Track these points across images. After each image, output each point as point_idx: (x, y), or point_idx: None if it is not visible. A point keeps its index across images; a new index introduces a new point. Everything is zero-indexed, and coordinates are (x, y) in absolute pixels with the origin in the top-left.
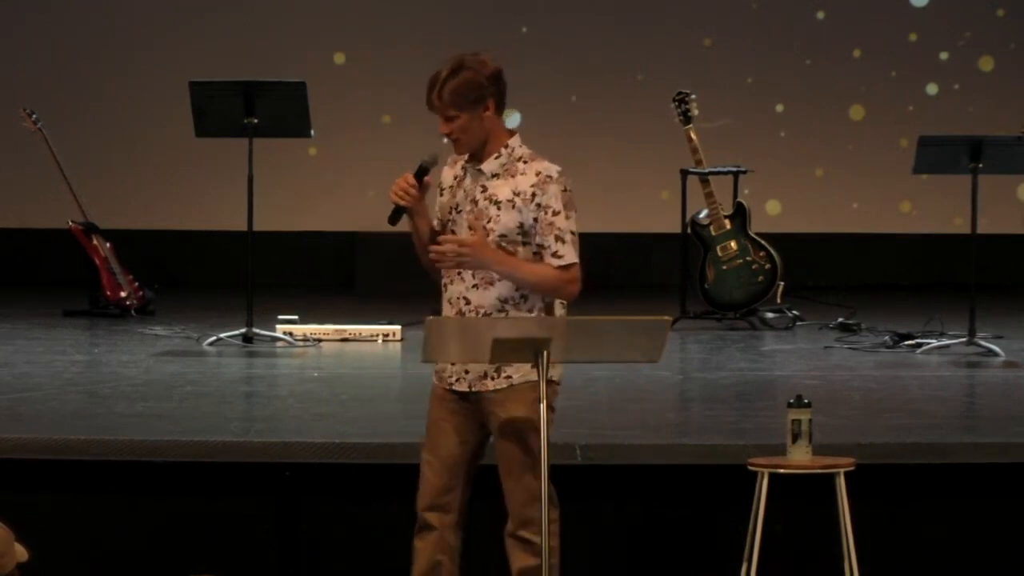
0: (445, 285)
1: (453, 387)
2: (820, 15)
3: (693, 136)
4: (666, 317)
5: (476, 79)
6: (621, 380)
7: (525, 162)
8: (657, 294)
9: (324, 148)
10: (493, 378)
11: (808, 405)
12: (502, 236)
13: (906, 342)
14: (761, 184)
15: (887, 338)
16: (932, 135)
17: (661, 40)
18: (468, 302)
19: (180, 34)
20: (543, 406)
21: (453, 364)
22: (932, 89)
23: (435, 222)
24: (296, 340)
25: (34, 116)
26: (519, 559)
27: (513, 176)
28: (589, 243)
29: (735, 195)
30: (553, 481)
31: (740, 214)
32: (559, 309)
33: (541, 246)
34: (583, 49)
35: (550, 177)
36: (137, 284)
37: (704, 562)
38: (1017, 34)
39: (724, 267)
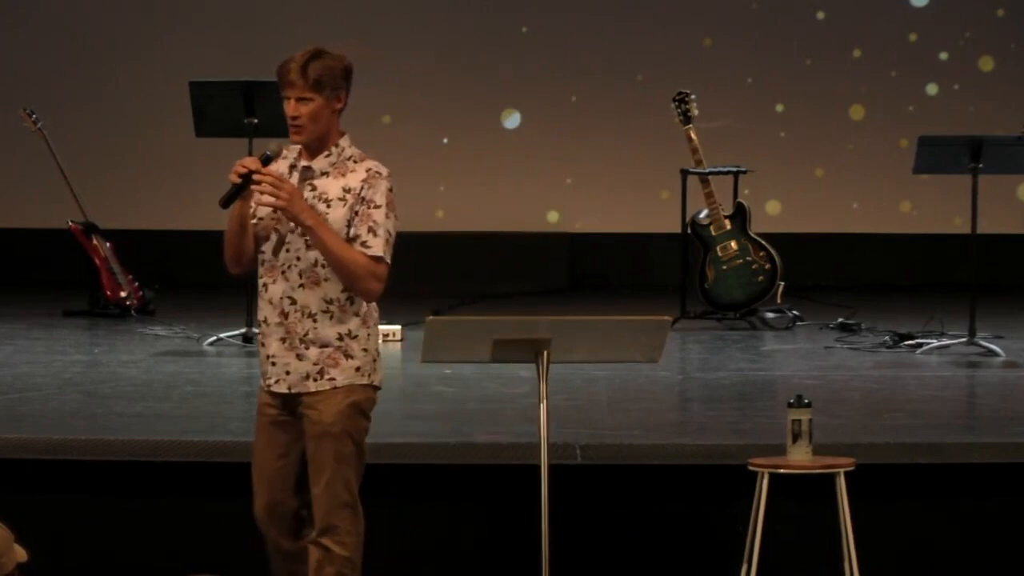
0: (266, 285)
1: (272, 388)
2: (820, 15)
3: (693, 136)
4: (666, 317)
5: (338, 68)
6: (621, 380)
7: (356, 161)
8: (657, 294)
9: None
10: (316, 379)
11: (808, 405)
12: None
13: (906, 342)
14: (761, 184)
15: (887, 338)
16: (932, 135)
17: (661, 40)
18: (293, 302)
19: (180, 34)
20: (543, 406)
21: (274, 364)
22: (932, 89)
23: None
24: None
25: (34, 116)
26: (318, 567)
27: (344, 175)
28: (589, 243)
29: (735, 195)
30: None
31: (740, 214)
32: (375, 315)
33: (353, 238)
34: (583, 49)
35: (379, 174)
36: (137, 284)
37: (704, 562)
38: (1017, 34)
39: (724, 267)
